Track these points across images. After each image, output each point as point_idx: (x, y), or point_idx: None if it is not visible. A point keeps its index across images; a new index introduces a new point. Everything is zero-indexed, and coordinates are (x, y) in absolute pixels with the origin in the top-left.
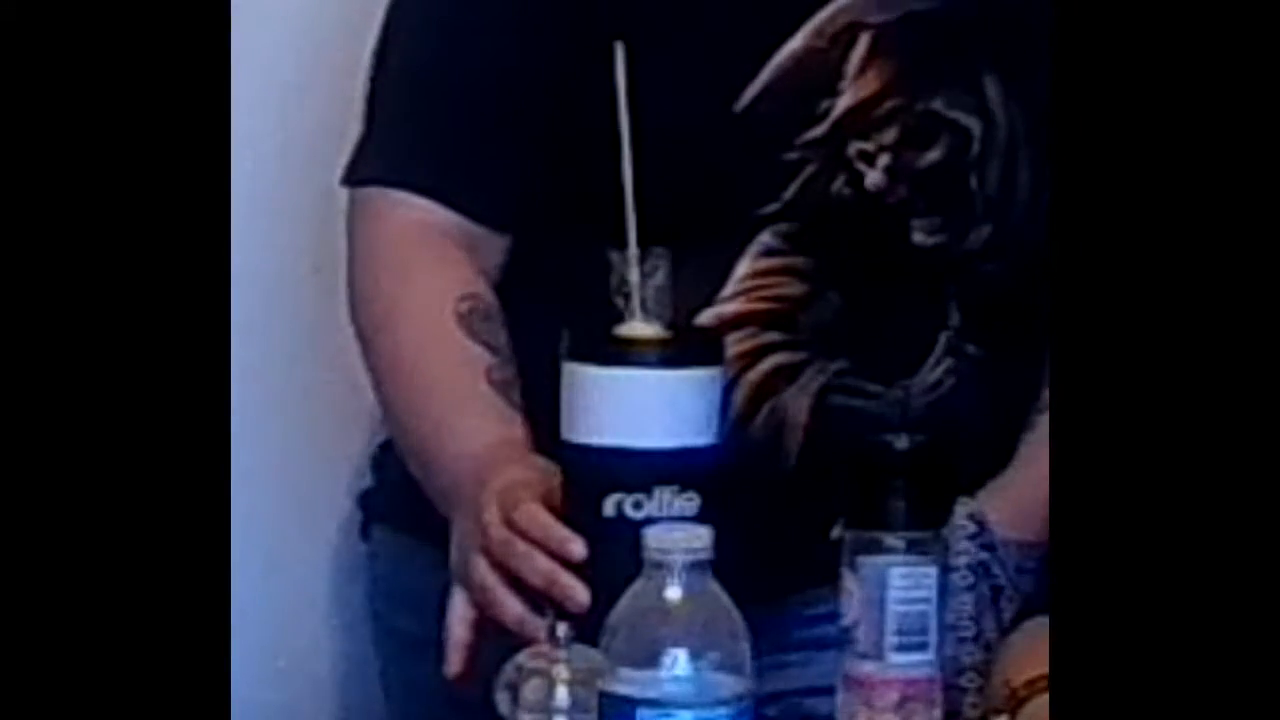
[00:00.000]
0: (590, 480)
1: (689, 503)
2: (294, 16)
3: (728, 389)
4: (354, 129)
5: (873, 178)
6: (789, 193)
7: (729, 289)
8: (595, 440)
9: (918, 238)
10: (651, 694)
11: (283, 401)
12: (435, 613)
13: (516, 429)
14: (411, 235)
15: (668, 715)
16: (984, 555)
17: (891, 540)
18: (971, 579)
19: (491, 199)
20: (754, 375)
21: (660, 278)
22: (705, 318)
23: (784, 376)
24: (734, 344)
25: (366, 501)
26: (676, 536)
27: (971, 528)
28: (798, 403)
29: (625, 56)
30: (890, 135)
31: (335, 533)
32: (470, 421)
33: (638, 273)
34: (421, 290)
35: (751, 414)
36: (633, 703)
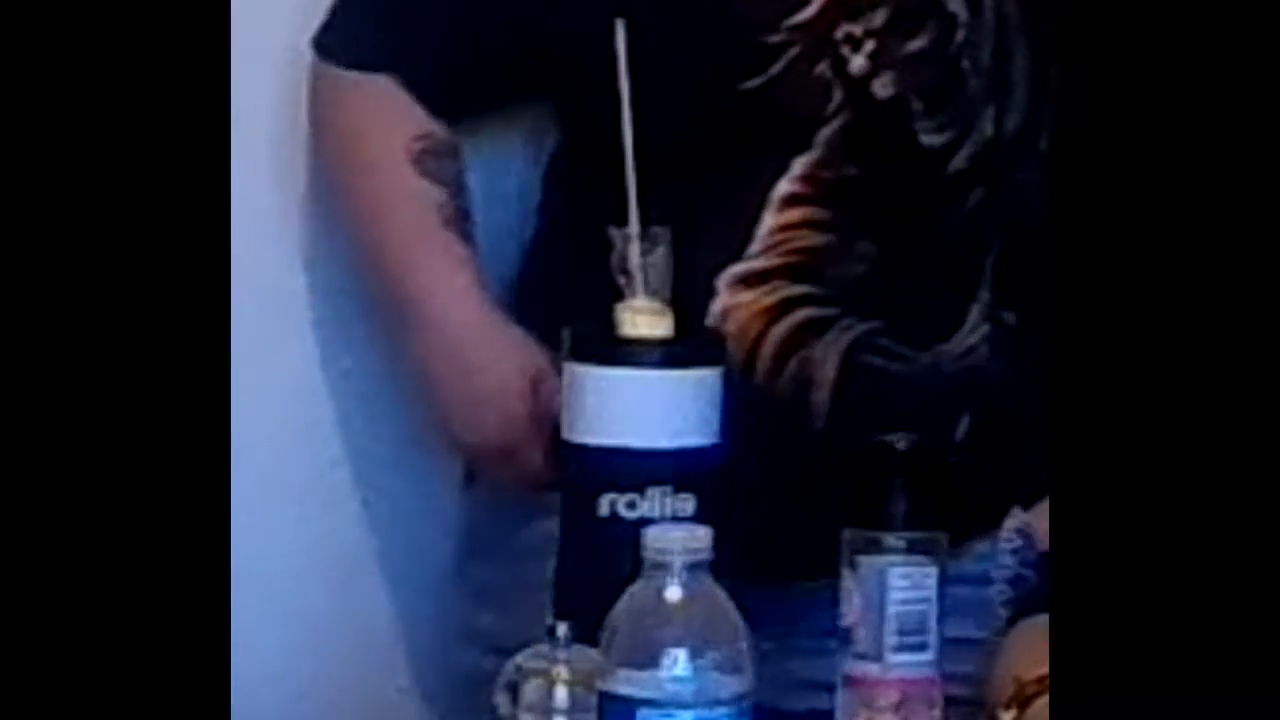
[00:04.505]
0: (585, 480)
1: (684, 503)
2: (296, 12)
3: (755, 343)
4: None
5: (858, 63)
6: (775, 69)
7: (755, 245)
8: (594, 440)
9: (926, 140)
10: (651, 694)
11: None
12: (515, 561)
13: (470, 271)
14: (371, 99)
15: (668, 715)
16: (1025, 571)
17: (891, 540)
18: (1010, 593)
19: (449, 91)
20: (781, 329)
21: (660, 255)
22: (733, 273)
23: (812, 331)
24: (761, 297)
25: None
26: (676, 536)
27: (1016, 542)
28: (826, 359)
29: None
30: (878, 20)
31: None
32: (428, 266)
33: (638, 250)
34: (376, 137)
35: (778, 369)
36: (633, 703)
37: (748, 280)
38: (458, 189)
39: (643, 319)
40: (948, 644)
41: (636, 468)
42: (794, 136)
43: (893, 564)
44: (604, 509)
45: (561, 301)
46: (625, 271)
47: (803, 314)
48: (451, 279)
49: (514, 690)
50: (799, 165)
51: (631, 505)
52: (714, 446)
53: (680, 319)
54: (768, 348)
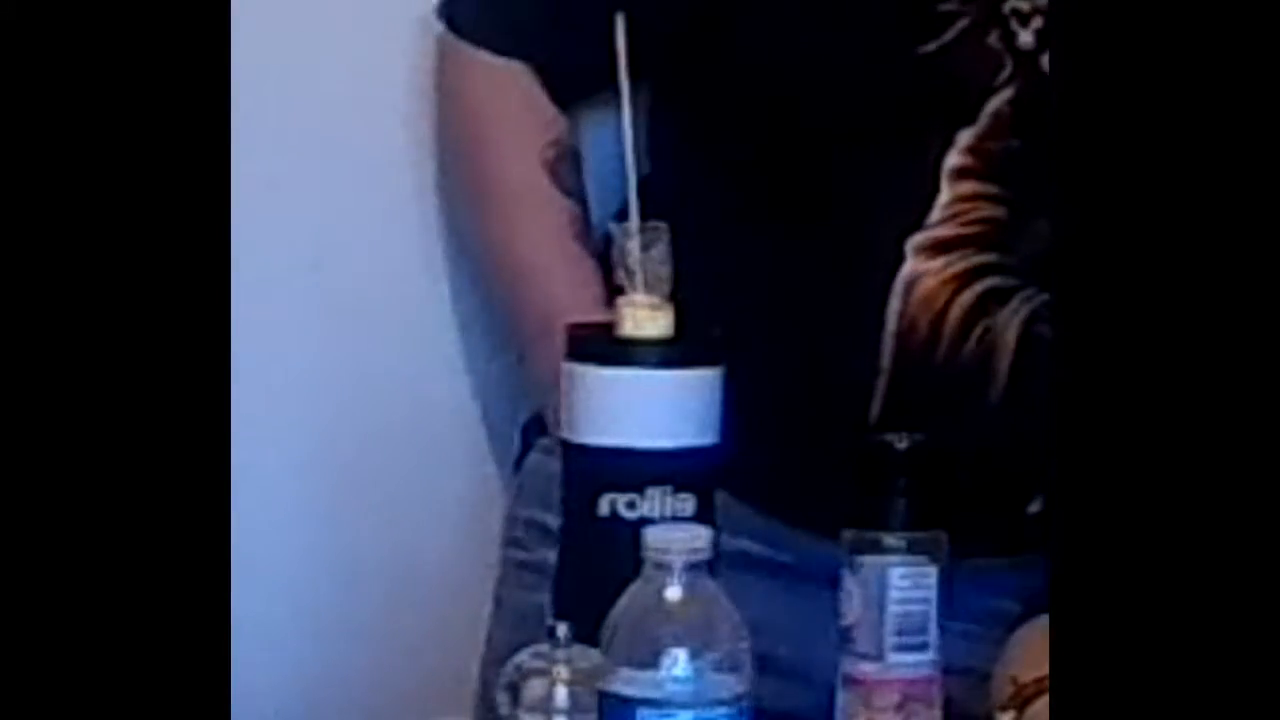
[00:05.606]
0: (585, 480)
1: (684, 503)
2: (297, 10)
3: (941, 311)
4: (356, 125)
5: (1025, 38)
6: (948, 35)
7: (935, 214)
8: (594, 440)
9: None
10: (651, 694)
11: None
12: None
13: (597, 286)
14: (501, 87)
15: (668, 715)
16: None
17: (891, 540)
18: None
19: (579, 84)
20: (968, 296)
21: (659, 251)
22: (921, 239)
23: (996, 300)
24: (949, 265)
25: (526, 432)
26: (676, 536)
27: None
28: (1008, 329)
29: None
30: None
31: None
32: (558, 276)
33: (637, 245)
34: (508, 134)
35: (963, 338)
36: (633, 703)
37: (936, 247)
38: (583, 200)
39: (642, 314)
40: None
41: (636, 468)
42: (963, 106)
43: (892, 564)
44: (604, 509)
45: None
46: (625, 267)
47: (988, 282)
48: (580, 293)
49: (514, 690)
50: (965, 137)
51: (631, 505)
52: (714, 446)
53: (679, 316)
54: (954, 315)
